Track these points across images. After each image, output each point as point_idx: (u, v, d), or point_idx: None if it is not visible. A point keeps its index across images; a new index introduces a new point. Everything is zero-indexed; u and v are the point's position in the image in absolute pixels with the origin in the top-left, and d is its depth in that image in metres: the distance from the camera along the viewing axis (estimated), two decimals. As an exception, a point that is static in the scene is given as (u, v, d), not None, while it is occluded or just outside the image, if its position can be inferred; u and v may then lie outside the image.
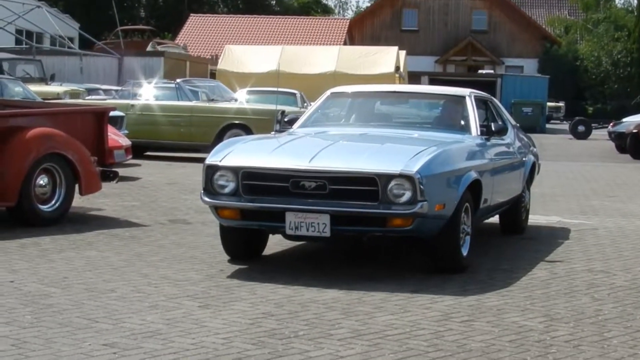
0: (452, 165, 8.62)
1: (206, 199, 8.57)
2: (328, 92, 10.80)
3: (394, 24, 67.94)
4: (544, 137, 37.69)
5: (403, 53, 40.68)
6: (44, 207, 10.93)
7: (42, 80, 27.51)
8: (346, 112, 10.73)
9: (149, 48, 40.06)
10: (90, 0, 64.97)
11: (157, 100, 22.23)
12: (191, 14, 61.39)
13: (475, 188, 8.98)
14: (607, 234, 11.58)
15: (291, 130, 10.12)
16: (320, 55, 37.16)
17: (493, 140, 10.01)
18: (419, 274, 8.62)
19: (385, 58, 36.76)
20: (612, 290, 8.17)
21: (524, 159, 11.26)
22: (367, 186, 8.12)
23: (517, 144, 11.19)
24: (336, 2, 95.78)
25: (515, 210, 11.18)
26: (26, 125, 11.01)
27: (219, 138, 19.26)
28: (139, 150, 19.82)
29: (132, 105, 21.73)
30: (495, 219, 11.16)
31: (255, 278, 8.21)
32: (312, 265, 9.06)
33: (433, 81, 47.92)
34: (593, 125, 41.70)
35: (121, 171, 13.01)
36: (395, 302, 7.42)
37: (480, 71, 58.32)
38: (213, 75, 36.94)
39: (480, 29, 67.60)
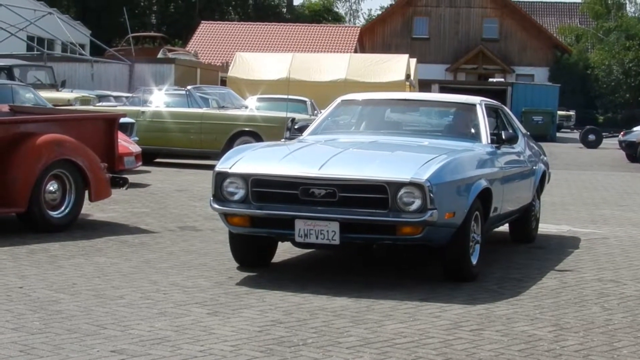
0: (462, 173, 8.60)
1: (216, 206, 8.57)
2: (338, 100, 10.79)
3: (405, 32, 67.92)
4: (554, 146, 37.64)
5: (414, 61, 40.68)
6: (53, 213, 10.94)
7: (53, 86, 27.54)
8: (356, 120, 10.72)
9: (159, 55, 40.11)
10: (101, 7, 65.14)
11: (167, 107, 22.25)
12: (202, 21, 61.46)
13: (485, 196, 8.96)
14: (618, 243, 11.55)
15: (301, 137, 10.11)
16: (330, 63, 37.16)
17: (503, 149, 9.99)
18: (428, 282, 8.60)
19: (395, 66, 36.75)
20: (622, 300, 8.14)
21: (534, 167, 11.24)
22: (377, 194, 8.10)
23: (528, 152, 11.17)
24: (347, 9, 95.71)
25: (525, 219, 11.15)
26: (37, 132, 11.03)
27: (229, 145, 19.27)
28: (149, 157, 19.85)
29: (143, 112, 21.76)
30: (505, 227, 11.14)
31: (264, 285, 8.20)
32: (321, 272, 9.04)
33: (443, 89, 47.84)
34: (604, 134, 41.63)
35: (131, 178, 13.01)
36: (405, 311, 7.40)
37: (490, 79, 58.28)
38: (224, 83, 36.96)
39: (491, 37, 67.53)
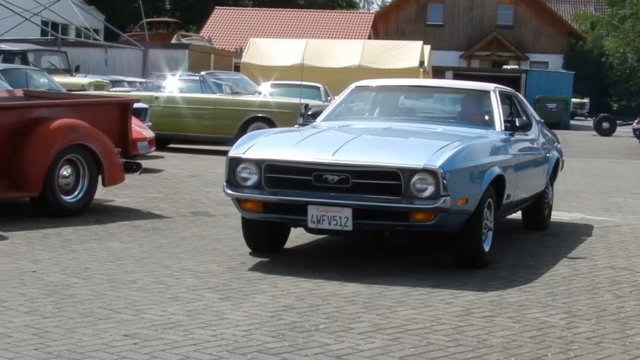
0: (476, 160, 8.59)
1: (229, 191, 8.58)
2: (352, 86, 10.78)
3: (419, 19, 67.80)
4: (568, 134, 37.56)
5: (428, 48, 40.60)
6: (67, 198, 10.97)
7: (67, 71, 27.57)
8: (370, 106, 10.71)
9: (173, 40, 40.08)
10: (115, -8, 65.08)
11: (181, 93, 22.25)
12: (216, 7, 61.36)
13: (498, 183, 8.95)
14: (631, 231, 11.53)
15: (315, 123, 10.12)
16: (344, 49, 37.13)
17: (517, 136, 9.97)
18: (440, 269, 8.60)
19: (409, 52, 36.69)
20: (634, 288, 8.13)
21: (547, 155, 11.21)
22: (390, 180, 8.10)
23: (541, 139, 11.15)
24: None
25: (538, 207, 11.14)
26: (50, 116, 11.05)
27: (242, 131, 19.25)
28: (162, 143, 19.86)
29: (156, 98, 21.76)
30: (518, 214, 11.13)
31: (277, 271, 8.22)
32: (334, 258, 9.05)
33: (457, 76, 47.80)
34: (618, 122, 41.53)
35: (144, 163, 13.03)
36: (416, 297, 7.41)
37: (504, 66, 58.16)
38: (237, 68, 36.95)
39: (506, 24, 67.36)
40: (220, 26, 57.63)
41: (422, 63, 36.61)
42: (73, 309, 6.64)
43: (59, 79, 23.18)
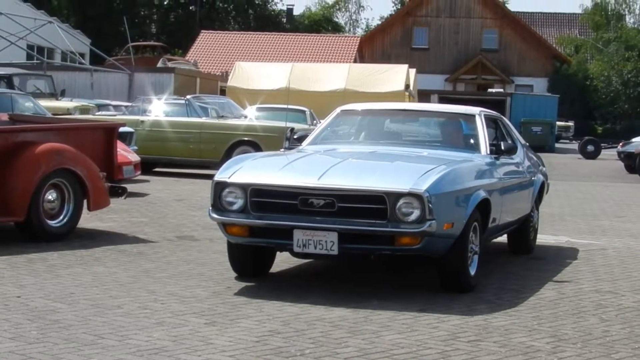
0: (461, 184, 8.60)
1: (214, 215, 8.57)
2: (338, 110, 10.80)
3: (405, 42, 67.98)
4: (553, 157, 37.65)
5: (413, 71, 40.68)
6: (52, 223, 10.94)
7: (53, 95, 27.55)
8: (356, 130, 10.72)
9: (159, 64, 40.14)
10: (101, 16, 65.16)
11: (166, 117, 22.25)
12: (202, 31, 61.50)
13: (484, 207, 8.96)
14: (616, 254, 11.55)
15: (300, 147, 10.12)
16: (330, 73, 37.18)
17: (502, 160, 9.99)
18: (426, 292, 8.60)
19: (395, 76, 36.76)
20: (620, 312, 8.14)
21: (533, 178, 11.24)
22: (376, 204, 8.11)
23: (527, 163, 11.17)
24: (347, 19, 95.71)
25: (523, 230, 11.15)
26: (36, 140, 11.03)
27: (228, 155, 19.26)
28: (147, 167, 19.83)
29: (142, 122, 21.76)
30: (503, 238, 11.14)
31: (262, 295, 8.20)
32: (319, 283, 9.04)
33: (443, 99, 47.91)
34: (602, 145, 41.68)
35: (130, 187, 13.01)
36: (402, 321, 7.40)
37: (490, 90, 58.35)
38: (223, 92, 36.97)
39: (491, 48, 67.59)
40: (205, 50, 57.73)
41: (407, 86, 36.68)
42: (58, 334, 6.61)
43: (45, 103, 23.15)
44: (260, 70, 37.63)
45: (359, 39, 64.88)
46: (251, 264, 9.08)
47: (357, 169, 8.84)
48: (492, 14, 67.77)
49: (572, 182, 24.63)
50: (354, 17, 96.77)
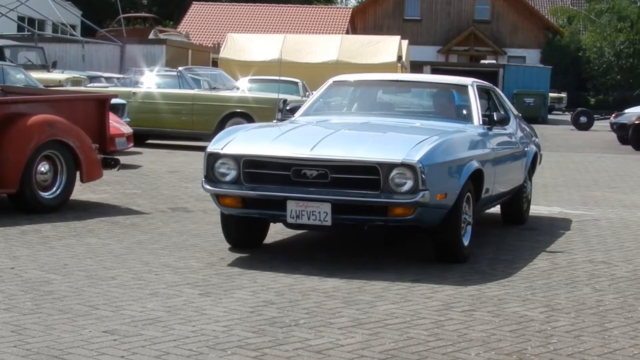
0: (454, 154, 8.60)
1: (207, 187, 8.56)
2: (330, 81, 10.77)
3: (397, 13, 67.78)
4: (545, 128, 37.67)
5: (405, 42, 40.62)
6: (45, 194, 10.93)
7: (44, 67, 27.48)
8: (348, 101, 10.71)
9: (151, 36, 40.00)
10: (92, -12, 64.84)
11: (158, 88, 22.21)
12: (194, 2, 61.24)
13: (477, 178, 8.96)
14: (609, 224, 11.57)
15: (293, 118, 10.10)
16: (322, 44, 37.11)
17: (495, 130, 9.98)
18: (419, 263, 8.62)
19: (387, 47, 36.71)
20: (613, 281, 8.16)
21: (525, 149, 11.24)
22: (369, 175, 8.10)
23: (519, 134, 11.17)
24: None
25: (516, 201, 11.17)
26: (28, 112, 11.00)
27: (220, 126, 19.22)
28: (140, 138, 19.80)
29: (134, 93, 21.72)
30: (496, 209, 11.16)
31: (256, 266, 8.21)
32: (313, 253, 9.05)
33: (435, 71, 47.77)
34: (595, 116, 41.68)
35: (122, 159, 12.98)
36: (396, 292, 7.42)
37: (482, 61, 58.23)
38: (215, 64, 36.89)
39: (483, 19, 67.45)
40: (197, 21, 57.56)
41: (400, 58, 36.63)
42: (52, 305, 6.62)
43: (36, 75, 23.08)
44: (253, 42, 37.55)
45: (351, 10, 64.72)
46: (245, 235, 9.08)
47: (349, 139, 8.83)
48: (484, -15, 67.56)
49: (565, 153, 24.65)
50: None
